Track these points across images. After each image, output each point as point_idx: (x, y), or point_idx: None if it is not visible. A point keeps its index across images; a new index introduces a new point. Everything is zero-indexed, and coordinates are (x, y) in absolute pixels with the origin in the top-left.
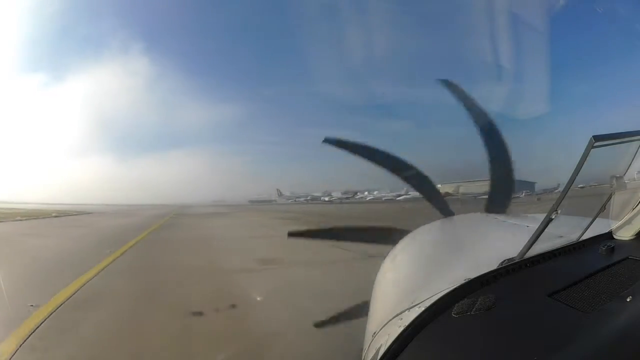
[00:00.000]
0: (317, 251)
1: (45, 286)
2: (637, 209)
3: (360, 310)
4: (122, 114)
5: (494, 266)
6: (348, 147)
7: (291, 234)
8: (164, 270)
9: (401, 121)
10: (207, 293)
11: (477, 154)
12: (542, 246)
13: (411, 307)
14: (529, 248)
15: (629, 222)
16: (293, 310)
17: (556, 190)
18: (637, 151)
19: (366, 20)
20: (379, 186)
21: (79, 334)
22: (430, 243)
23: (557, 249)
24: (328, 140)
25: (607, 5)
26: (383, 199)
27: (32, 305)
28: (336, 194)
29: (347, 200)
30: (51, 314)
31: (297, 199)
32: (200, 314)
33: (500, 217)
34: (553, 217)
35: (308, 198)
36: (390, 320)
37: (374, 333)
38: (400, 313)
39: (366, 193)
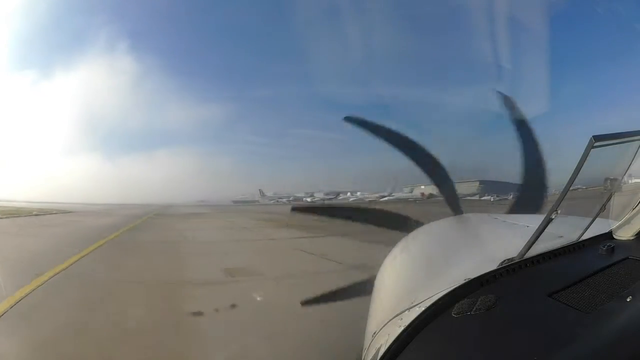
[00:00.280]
0: (298, 260)
1: None
2: (637, 209)
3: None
4: (109, 112)
5: (494, 266)
6: (368, 126)
7: (295, 209)
8: (116, 280)
9: (394, 122)
10: (152, 307)
11: (477, 154)
12: (542, 246)
13: (411, 307)
14: (529, 248)
15: (629, 222)
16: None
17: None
18: (637, 151)
19: (359, 20)
20: (363, 187)
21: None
22: (430, 243)
23: (557, 249)
24: (349, 119)
25: (606, 5)
26: (366, 200)
27: None
28: (319, 195)
29: (330, 202)
30: None
31: (279, 200)
32: (138, 332)
33: (500, 217)
34: (553, 217)
35: (290, 199)
36: (390, 320)
37: (374, 333)
38: (400, 313)
39: (349, 194)
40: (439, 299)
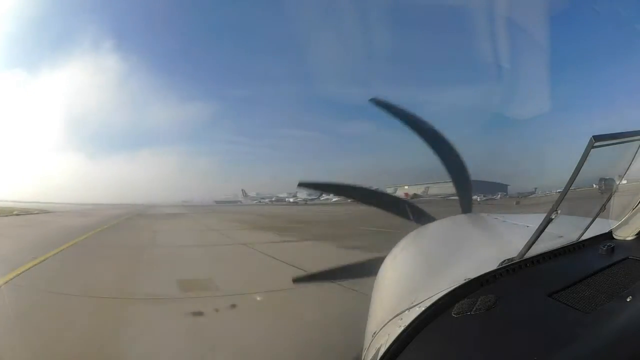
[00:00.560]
0: (264, 269)
1: None
2: (637, 209)
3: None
4: (93, 112)
5: (494, 266)
6: (392, 110)
7: (301, 185)
8: (56, 293)
9: (369, 122)
10: (77, 325)
11: (477, 154)
12: (542, 246)
13: (411, 307)
14: (529, 248)
15: (629, 222)
16: None
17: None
18: (637, 151)
19: (346, 19)
20: None
21: None
22: (430, 243)
23: (557, 249)
24: (375, 101)
25: (606, 5)
26: (349, 200)
27: None
28: (302, 195)
29: (312, 202)
30: None
31: (261, 200)
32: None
33: (500, 217)
34: (553, 217)
35: (273, 199)
36: (390, 320)
37: (374, 333)
38: (400, 313)
39: (331, 194)
40: (439, 299)
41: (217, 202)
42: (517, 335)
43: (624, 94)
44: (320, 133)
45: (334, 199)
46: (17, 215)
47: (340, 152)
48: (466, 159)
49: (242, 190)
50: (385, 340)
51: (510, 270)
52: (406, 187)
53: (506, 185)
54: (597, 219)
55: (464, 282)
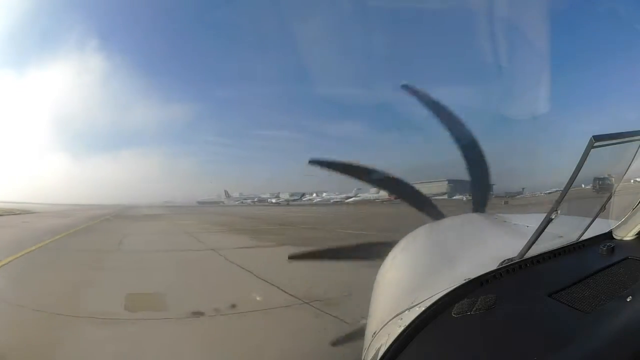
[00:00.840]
0: (228, 282)
1: None
2: (637, 209)
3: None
4: (77, 112)
5: (494, 266)
6: (421, 97)
7: (312, 162)
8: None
9: (354, 123)
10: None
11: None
12: (542, 246)
13: (411, 307)
14: (529, 248)
15: (629, 222)
16: None
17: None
18: (637, 151)
19: (330, 18)
20: (328, 188)
21: None
22: (430, 243)
23: (557, 249)
24: (406, 87)
25: (606, 5)
26: (331, 201)
27: None
28: (284, 196)
29: (294, 202)
30: None
31: (244, 201)
32: None
33: (500, 217)
34: (553, 217)
35: (255, 200)
36: (390, 320)
37: (374, 333)
38: (400, 313)
39: (314, 195)
40: (439, 299)
41: (199, 202)
42: (517, 335)
43: (623, 94)
44: (305, 134)
45: (315, 200)
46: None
47: (324, 153)
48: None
49: (225, 191)
50: (385, 340)
51: (510, 270)
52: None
53: (492, 185)
54: (597, 219)
55: (464, 282)
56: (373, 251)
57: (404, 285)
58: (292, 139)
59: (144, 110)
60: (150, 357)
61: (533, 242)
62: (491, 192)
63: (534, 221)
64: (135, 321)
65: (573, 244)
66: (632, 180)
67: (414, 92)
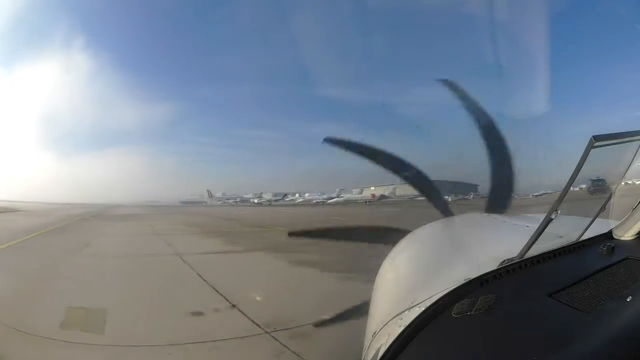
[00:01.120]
0: (189, 292)
1: None
2: (636, 209)
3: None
4: (61, 111)
5: (494, 266)
6: (454, 88)
7: (327, 140)
8: None
9: (338, 123)
10: None
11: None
12: (542, 246)
13: (411, 307)
14: (529, 248)
15: (629, 222)
16: None
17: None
18: (637, 151)
19: (322, 16)
20: (310, 188)
21: None
22: (430, 243)
23: (557, 249)
24: (445, 82)
25: (606, 6)
26: (314, 201)
27: None
28: (267, 196)
29: (277, 203)
30: None
31: (227, 200)
32: None
33: (500, 217)
34: (553, 217)
35: (237, 200)
36: (390, 320)
37: (374, 333)
38: (400, 313)
39: (297, 195)
40: (439, 299)
41: (182, 202)
42: (517, 335)
43: (623, 95)
44: (288, 134)
45: (298, 200)
46: None
47: (307, 154)
48: (466, 158)
49: (207, 190)
50: (385, 340)
51: (510, 270)
52: (372, 187)
53: (476, 185)
54: (597, 219)
55: (464, 282)
56: (373, 235)
57: (403, 285)
58: (277, 139)
59: (127, 110)
60: None
61: (533, 242)
62: (513, 194)
63: (534, 221)
64: (62, 343)
65: (573, 244)
66: (632, 180)
67: (453, 88)
